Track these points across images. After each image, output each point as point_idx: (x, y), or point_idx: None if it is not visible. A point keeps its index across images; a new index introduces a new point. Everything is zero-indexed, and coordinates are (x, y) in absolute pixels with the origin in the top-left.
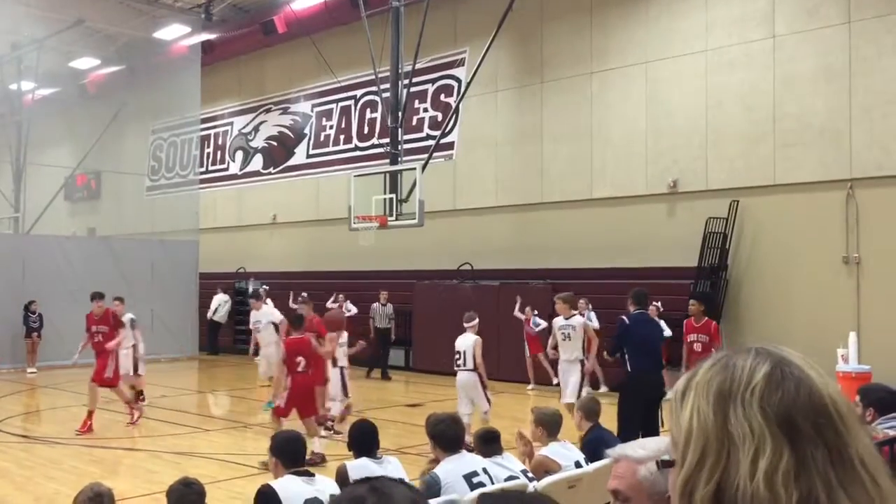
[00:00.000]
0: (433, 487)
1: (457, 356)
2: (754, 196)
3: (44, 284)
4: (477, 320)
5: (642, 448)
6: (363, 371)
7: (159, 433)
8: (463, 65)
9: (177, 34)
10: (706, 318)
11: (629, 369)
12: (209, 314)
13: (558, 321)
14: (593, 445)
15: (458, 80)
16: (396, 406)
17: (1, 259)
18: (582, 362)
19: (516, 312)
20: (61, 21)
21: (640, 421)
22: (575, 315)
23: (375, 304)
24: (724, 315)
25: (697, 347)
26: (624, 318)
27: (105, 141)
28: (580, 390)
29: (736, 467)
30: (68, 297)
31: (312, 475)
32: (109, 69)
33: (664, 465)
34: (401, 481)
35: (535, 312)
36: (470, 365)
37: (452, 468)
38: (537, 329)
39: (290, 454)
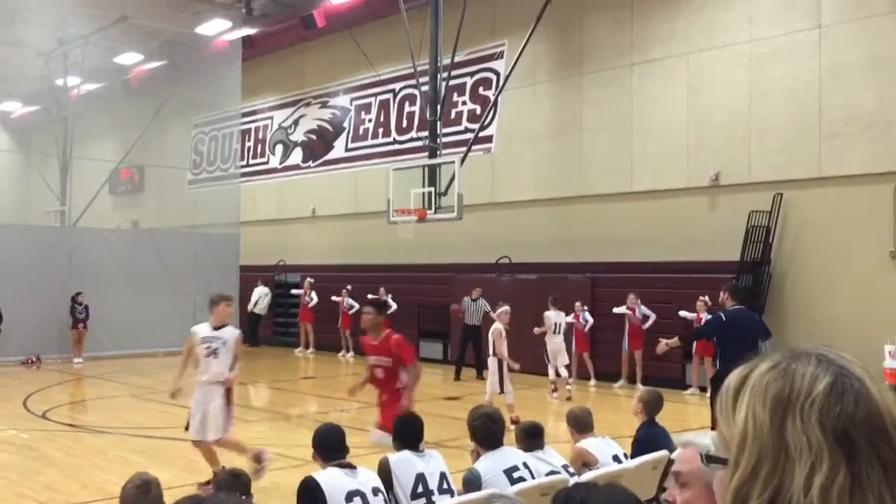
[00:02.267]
0: (474, 482)
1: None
2: (799, 189)
3: (89, 276)
4: (502, 309)
5: (709, 437)
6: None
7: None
8: (502, 57)
9: (218, 29)
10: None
11: (719, 367)
12: (250, 306)
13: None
14: (644, 441)
15: (497, 73)
16: (435, 399)
17: (48, 251)
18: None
19: (619, 310)
20: (106, 17)
21: None
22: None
23: (466, 299)
24: (766, 310)
25: None
26: (720, 314)
27: (148, 135)
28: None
29: (790, 479)
30: (113, 288)
31: (354, 468)
32: (152, 64)
33: (709, 460)
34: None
35: (586, 308)
36: (491, 351)
37: (492, 463)
38: (587, 326)
39: (329, 447)
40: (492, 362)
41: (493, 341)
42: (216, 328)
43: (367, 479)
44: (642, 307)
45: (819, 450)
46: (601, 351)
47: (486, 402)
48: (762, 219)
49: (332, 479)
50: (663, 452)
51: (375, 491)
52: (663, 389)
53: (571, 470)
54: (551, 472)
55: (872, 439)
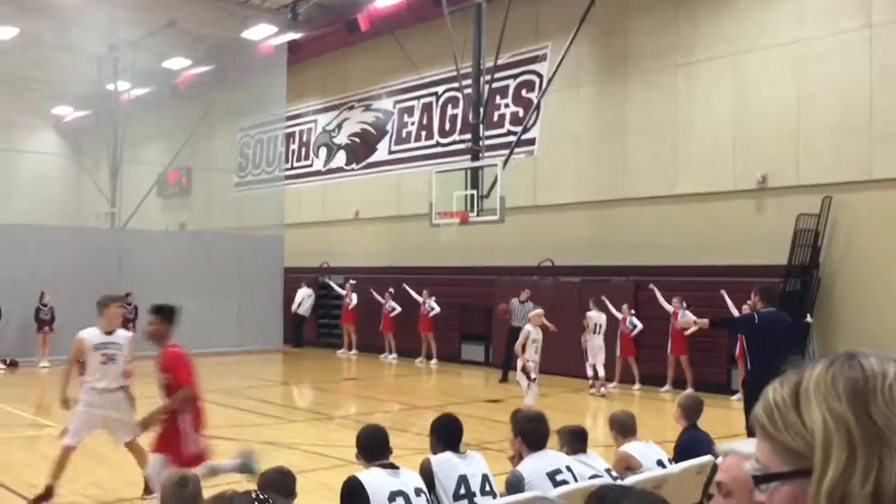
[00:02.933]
0: (517, 485)
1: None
2: (849, 192)
3: (138, 278)
4: (535, 312)
5: (752, 445)
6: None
7: (246, 423)
8: (545, 60)
9: (264, 34)
10: None
11: (750, 367)
12: (293, 308)
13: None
14: (686, 446)
15: (540, 76)
16: (477, 401)
17: (98, 253)
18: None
19: (666, 305)
20: (154, 23)
21: None
22: None
23: (514, 300)
24: (815, 314)
25: None
26: (754, 314)
27: (195, 139)
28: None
29: (892, 463)
30: (161, 290)
31: (397, 468)
32: (200, 69)
33: (764, 479)
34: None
35: (633, 312)
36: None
37: (536, 466)
38: (634, 331)
39: (372, 448)
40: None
41: (521, 343)
42: (108, 332)
43: (409, 479)
44: (687, 311)
45: None
46: (647, 355)
47: (526, 405)
48: (811, 222)
49: (375, 480)
50: (708, 458)
51: (418, 491)
52: (709, 394)
53: (615, 474)
54: (594, 476)
55: None
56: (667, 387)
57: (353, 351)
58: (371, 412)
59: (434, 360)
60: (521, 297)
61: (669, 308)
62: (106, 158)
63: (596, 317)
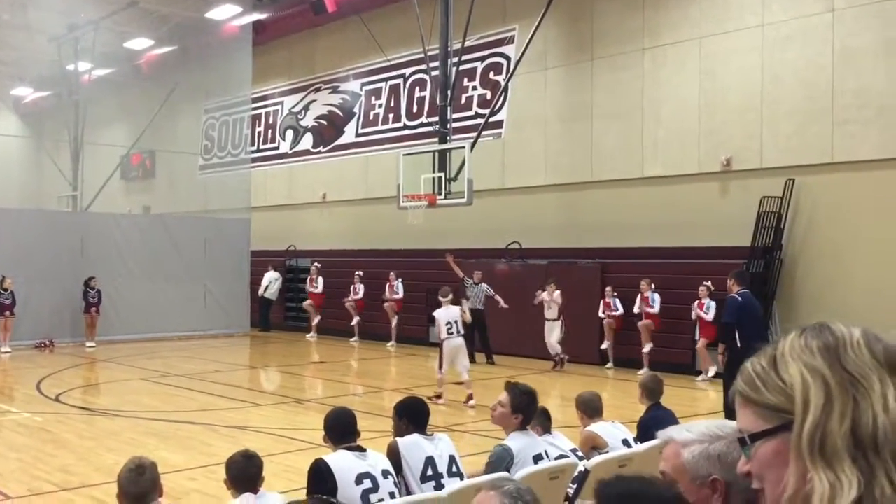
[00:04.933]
0: (505, 460)
1: (448, 326)
2: (811, 174)
3: (101, 261)
4: (451, 295)
5: (688, 431)
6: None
7: (214, 407)
8: (512, 42)
9: (228, 14)
10: None
11: (740, 345)
12: (260, 291)
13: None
14: (648, 425)
15: (508, 58)
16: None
17: (60, 236)
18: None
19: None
20: (116, 2)
21: None
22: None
23: (469, 281)
24: (778, 295)
25: None
26: (736, 296)
27: (159, 120)
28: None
29: (868, 404)
30: (125, 273)
31: (364, 450)
32: (163, 50)
33: (755, 437)
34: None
35: (615, 294)
36: (462, 331)
37: (523, 446)
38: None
39: (339, 430)
40: (462, 341)
41: (464, 322)
42: None
43: (376, 461)
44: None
45: (881, 374)
46: (623, 338)
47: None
48: (774, 204)
49: (342, 462)
50: None
51: (385, 473)
52: (675, 375)
53: (580, 454)
54: (560, 456)
55: None
56: (644, 370)
57: (314, 335)
58: (338, 395)
59: (392, 343)
60: (475, 279)
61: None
62: (67, 140)
63: (545, 296)
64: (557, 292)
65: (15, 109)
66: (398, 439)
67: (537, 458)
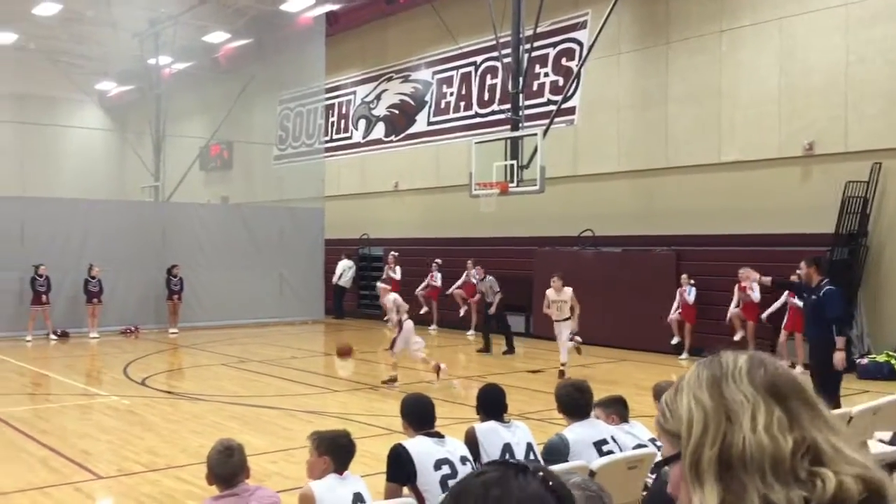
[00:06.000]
0: (562, 450)
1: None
2: None
3: (182, 249)
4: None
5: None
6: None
7: (291, 392)
8: (585, 27)
9: (302, 6)
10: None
11: (838, 337)
12: (334, 279)
13: (550, 293)
14: None
15: (580, 44)
16: (517, 372)
17: (143, 226)
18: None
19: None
20: None
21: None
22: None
23: (479, 284)
24: (863, 283)
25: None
26: (832, 287)
27: (236, 112)
28: None
29: (737, 428)
30: (205, 262)
31: (442, 437)
32: (239, 42)
33: (665, 462)
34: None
35: (692, 282)
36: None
37: (581, 434)
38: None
39: (418, 416)
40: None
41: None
42: None
43: (455, 447)
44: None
45: (755, 400)
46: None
47: None
48: (859, 189)
49: (421, 447)
50: None
51: (463, 460)
52: None
53: (659, 444)
54: (639, 446)
55: (794, 388)
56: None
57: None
58: (412, 382)
59: (471, 331)
60: (479, 276)
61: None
62: (149, 133)
63: (552, 295)
64: (568, 289)
65: (100, 103)
66: (475, 426)
67: (600, 444)
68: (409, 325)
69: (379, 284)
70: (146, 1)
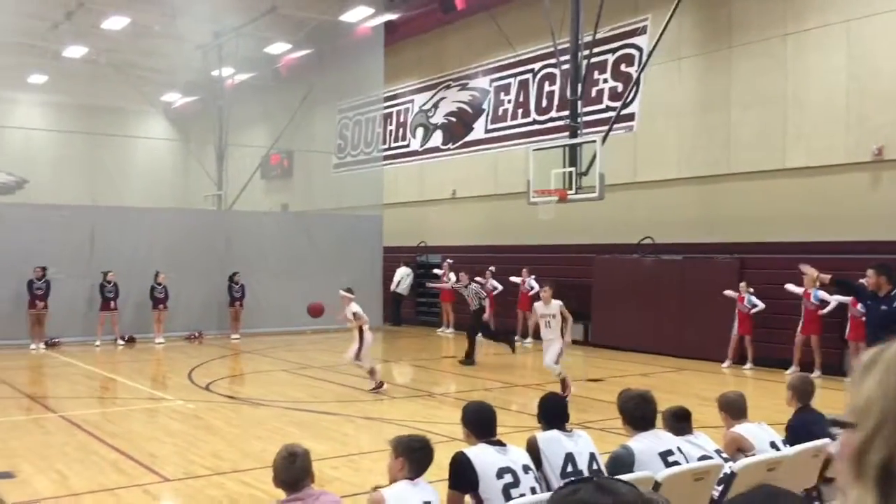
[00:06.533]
0: (626, 461)
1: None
2: None
3: (244, 257)
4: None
5: None
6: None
7: (351, 399)
8: (644, 33)
9: (361, 16)
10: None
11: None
12: (392, 286)
13: (538, 306)
14: (799, 428)
15: (640, 49)
16: (577, 380)
17: (207, 234)
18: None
19: (727, 292)
20: (256, 9)
21: None
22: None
23: (463, 291)
24: None
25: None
26: None
27: (296, 121)
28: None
29: None
30: (266, 269)
31: (504, 445)
32: (299, 53)
33: (834, 423)
34: (624, 482)
35: (751, 290)
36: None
37: (647, 445)
38: (753, 309)
39: (481, 424)
40: None
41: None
42: None
43: (517, 456)
44: (753, 297)
45: None
46: (761, 336)
47: None
48: None
49: (483, 455)
50: (825, 440)
51: (526, 468)
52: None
53: (725, 455)
54: (704, 457)
55: None
56: (793, 368)
57: (451, 329)
58: (471, 390)
59: (529, 339)
60: (462, 281)
61: (797, 290)
62: (212, 142)
63: (540, 308)
64: (556, 302)
65: (165, 114)
66: (537, 434)
67: (666, 455)
68: (369, 336)
69: (341, 292)
70: (210, 14)
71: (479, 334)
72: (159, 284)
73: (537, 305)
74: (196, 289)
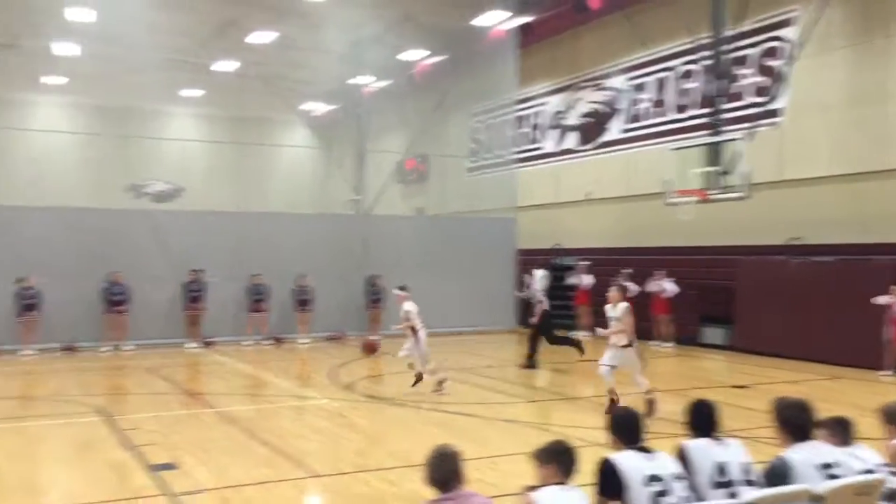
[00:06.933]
0: (784, 473)
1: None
2: None
3: (382, 260)
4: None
5: None
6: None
7: (490, 401)
8: (792, 25)
9: (494, 20)
10: None
11: None
12: (526, 289)
13: (607, 309)
14: None
15: (786, 42)
16: (721, 387)
17: (345, 237)
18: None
19: (878, 299)
20: (392, 17)
21: None
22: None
23: (537, 293)
24: None
25: None
26: None
27: (431, 126)
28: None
29: None
30: (403, 271)
31: (652, 451)
32: (434, 59)
33: None
34: None
35: None
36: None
37: (806, 457)
38: None
39: (627, 431)
40: None
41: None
42: None
43: (666, 464)
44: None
45: None
46: None
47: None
48: None
49: (630, 462)
50: None
51: (676, 477)
52: None
53: (894, 469)
54: (866, 471)
55: None
56: (885, 372)
57: (586, 332)
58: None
59: (669, 343)
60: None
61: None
62: (350, 149)
63: (608, 310)
64: (624, 304)
65: (306, 123)
66: (686, 442)
67: (826, 467)
68: (423, 335)
69: (395, 291)
70: (350, 24)
71: (546, 340)
72: (302, 287)
73: (607, 308)
74: (337, 290)
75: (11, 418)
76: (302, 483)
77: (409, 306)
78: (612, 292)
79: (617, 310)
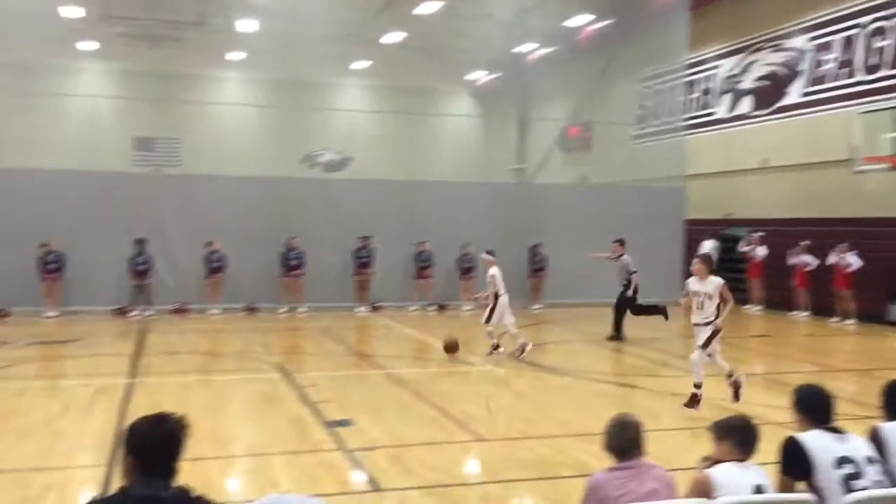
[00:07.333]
0: None
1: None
2: None
3: (545, 229)
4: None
5: None
6: None
7: (654, 374)
8: None
9: None
10: None
11: None
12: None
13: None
14: None
15: None
16: None
17: (509, 206)
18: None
19: None
20: None
21: None
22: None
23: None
24: None
25: None
26: None
27: (595, 93)
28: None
29: None
30: (566, 240)
31: (843, 433)
32: (599, 24)
33: None
34: None
35: None
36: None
37: None
38: None
39: (816, 409)
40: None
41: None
42: None
43: (858, 446)
44: None
45: None
46: None
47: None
48: None
49: (819, 442)
50: None
51: (870, 460)
52: None
53: None
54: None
55: None
56: None
57: (759, 306)
58: (783, 372)
59: (852, 320)
60: (613, 255)
61: None
62: (513, 117)
63: (693, 284)
64: (716, 280)
65: (470, 92)
66: (881, 425)
67: None
68: (504, 300)
69: (484, 255)
70: None
71: (629, 311)
72: (466, 255)
73: (690, 281)
74: (503, 260)
75: (203, 371)
76: (468, 445)
77: (494, 271)
78: (697, 264)
79: (708, 284)
